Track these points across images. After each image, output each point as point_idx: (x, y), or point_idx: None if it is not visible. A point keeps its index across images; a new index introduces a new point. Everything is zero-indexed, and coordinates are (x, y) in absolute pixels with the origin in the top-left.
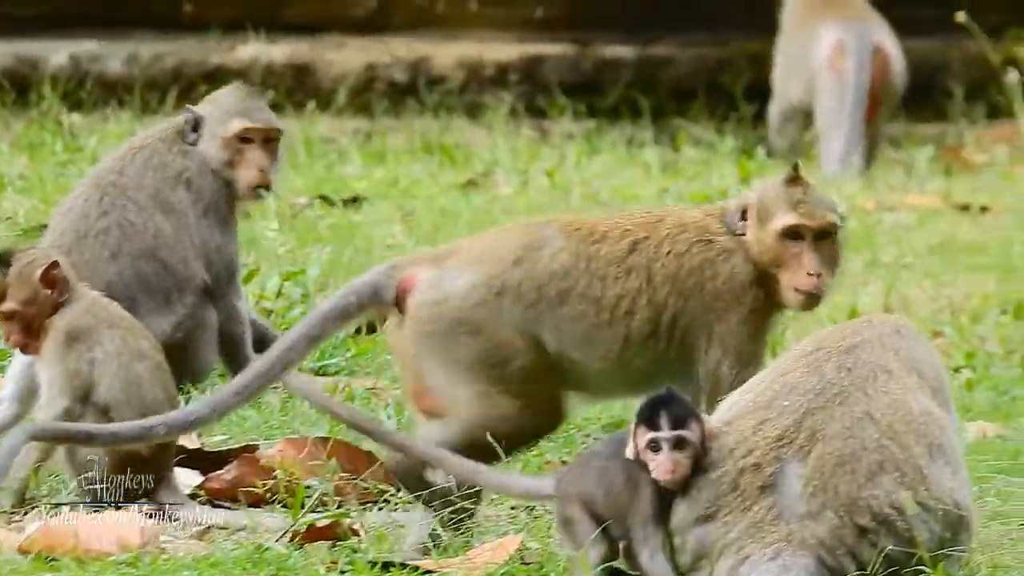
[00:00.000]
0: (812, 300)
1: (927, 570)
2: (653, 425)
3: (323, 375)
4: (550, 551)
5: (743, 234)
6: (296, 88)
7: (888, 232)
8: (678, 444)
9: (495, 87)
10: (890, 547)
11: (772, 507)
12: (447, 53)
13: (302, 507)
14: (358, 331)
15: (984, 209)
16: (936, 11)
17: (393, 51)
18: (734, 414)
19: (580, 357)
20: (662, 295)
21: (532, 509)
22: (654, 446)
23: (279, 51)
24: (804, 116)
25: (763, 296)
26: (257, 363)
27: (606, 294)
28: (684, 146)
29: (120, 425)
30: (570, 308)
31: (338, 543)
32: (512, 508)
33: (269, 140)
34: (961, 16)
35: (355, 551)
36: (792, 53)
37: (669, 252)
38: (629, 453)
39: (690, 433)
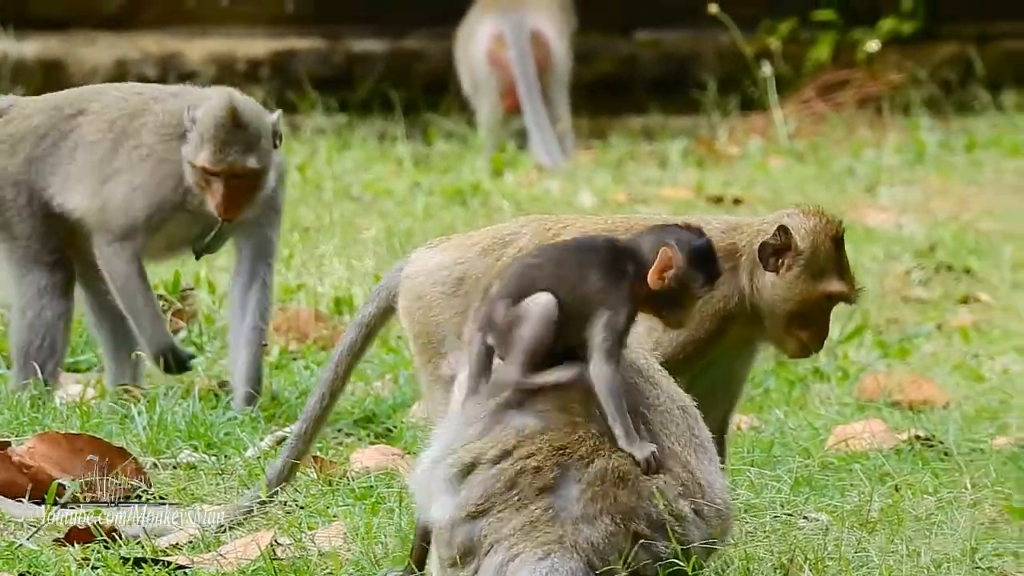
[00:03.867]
0: (808, 356)
1: (682, 565)
2: None
3: (75, 371)
4: (302, 546)
5: (775, 271)
6: (47, 85)
7: None
8: None
9: (246, 82)
10: (663, 550)
11: (548, 508)
12: (198, 48)
13: (54, 503)
14: None
15: (737, 201)
16: (688, 3)
17: (143, 47)
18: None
19: None
20: None
21: (285, 503)
22: None
23: (29, 47)
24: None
25: (718, 332)
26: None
27: None
28: (436, 140)
29: None
30: None
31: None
32: (263, 503)
33: None
34: (714, 7)
35: (107, 547)
36: (460, 49)
37: None
38: None
39: None
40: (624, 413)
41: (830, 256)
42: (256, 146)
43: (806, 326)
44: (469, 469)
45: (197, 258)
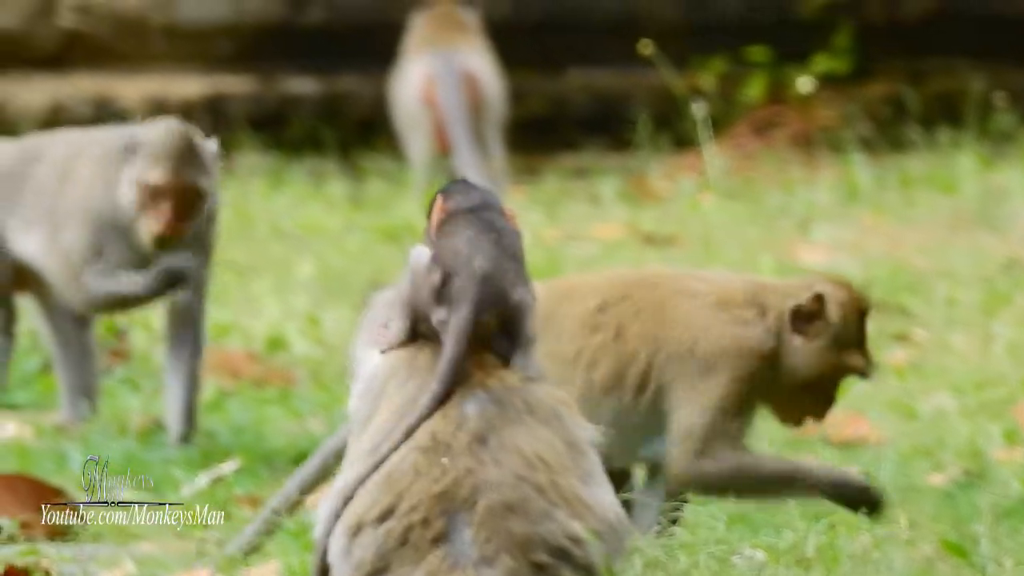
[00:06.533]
0: (803, 426)
1: None
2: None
3: (11, 409)
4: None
5: (803, 337)
6: None
7: (573, 263)
8: None
9: None
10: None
11: (446, 557)
12: (132, 89)
13: None
14: (46, 368)
15: (670, 239)
16: (619, 41)
17: (78, 87)
18: (386, 469)
19: None
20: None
21: (221, 542)
22: None
23: None
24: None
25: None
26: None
27: (569, 349)
28: (369, 179)
29: None
30: None
31: None
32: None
33: None
34: (646, 46)
35: None
36: (394, 89)
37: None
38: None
39: None
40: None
41: (856, 330)
42: (204, 168)
43: (815, 396)
44: (356, 530)
45: None
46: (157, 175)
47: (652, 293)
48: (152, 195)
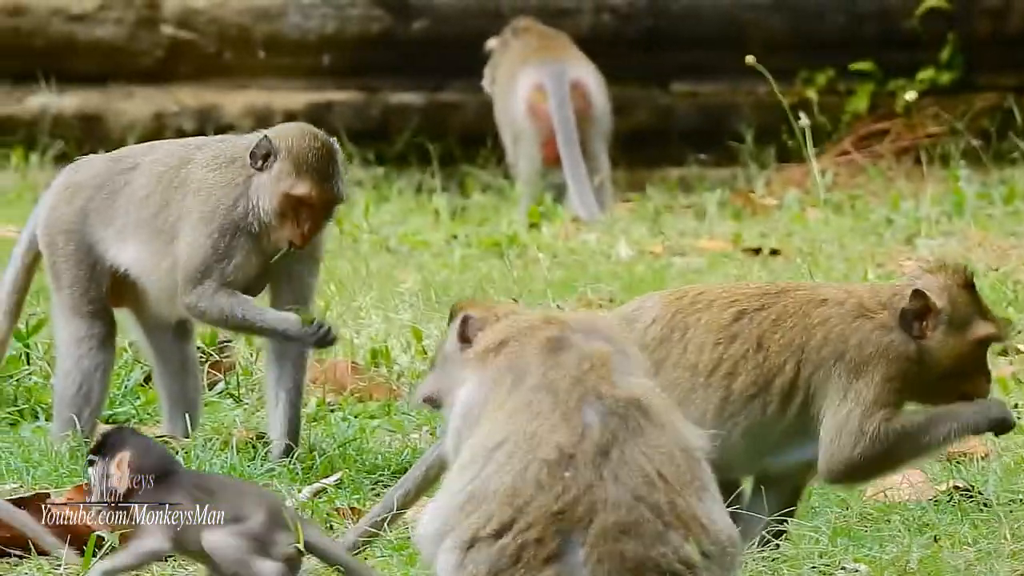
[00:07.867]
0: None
1: None
2: None
3: (113, 422)
4: None
5: (920, 337)
6: (86, 138)
7: (678, 276)
8: None
9: None
10: None
11: None
12: (235, 101)
13: (93, 555)
14: (147, 379)
15: (775, 252)
16: (725, 54)
17: (181, 100)
18: (506, 480)
19: None
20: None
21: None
22: None
23: (69, 101)
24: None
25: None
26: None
27: (702, 359)
28: (473, 192)
29: None
30: (663, 376)
31: None
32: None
33: None
34: (751, 59)
35: None
36: (499, 99)
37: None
38: None
39: None
40: None
41: (968, 303)
42: (344, 177)
43: (969, 377)
44: (470, 544)
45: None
46: (305, 188)
47: (789, 302)
48: (296, 206)
